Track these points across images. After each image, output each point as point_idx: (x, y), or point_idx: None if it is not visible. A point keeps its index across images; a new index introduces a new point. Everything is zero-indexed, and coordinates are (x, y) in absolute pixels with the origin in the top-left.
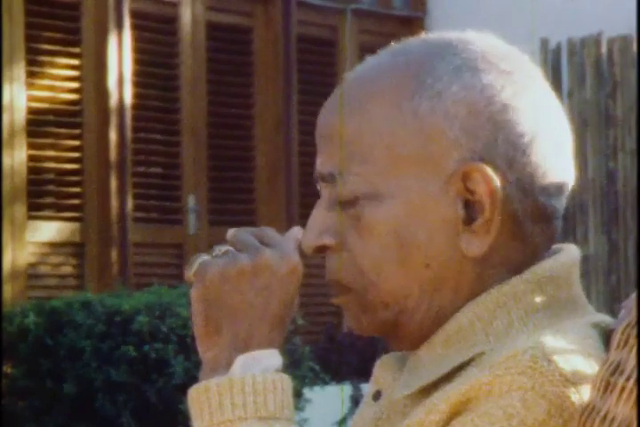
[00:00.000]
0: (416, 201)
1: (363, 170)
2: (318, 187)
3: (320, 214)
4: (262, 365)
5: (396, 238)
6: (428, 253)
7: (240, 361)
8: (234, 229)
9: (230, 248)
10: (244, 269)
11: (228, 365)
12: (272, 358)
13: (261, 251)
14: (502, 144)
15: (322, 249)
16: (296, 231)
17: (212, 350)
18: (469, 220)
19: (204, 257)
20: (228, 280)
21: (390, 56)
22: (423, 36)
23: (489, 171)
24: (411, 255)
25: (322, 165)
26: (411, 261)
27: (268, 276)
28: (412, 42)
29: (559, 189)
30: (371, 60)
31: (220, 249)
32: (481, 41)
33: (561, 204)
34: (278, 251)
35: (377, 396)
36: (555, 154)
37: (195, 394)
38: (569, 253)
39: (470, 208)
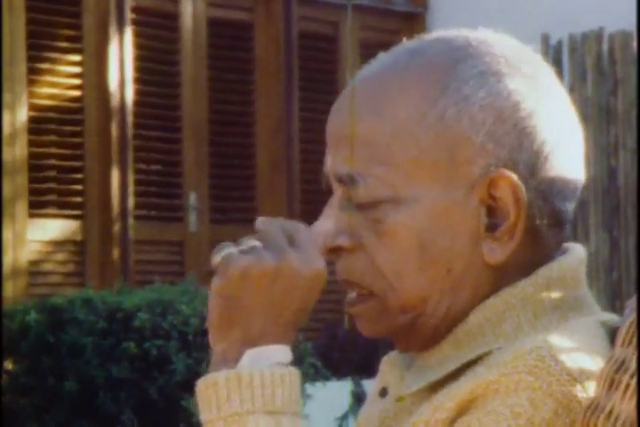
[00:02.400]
0: (439, 206)
1: (384, 173)
2: (324, 185)
3: (334, 215)
4: (271, 359)
5: (417, 243)
6: (450, 259)
7: (249, 355)
8: (264, 220)
9: (257, 244)
10: (267, 271)
11: (237, 359)
12: (281, 353)
13: (287, 254)
14: (526, 151)
15: (336, 250)
16: (319, 227)
17: (223, 343)
18: (492, 226)
19: (231, 249)
20: (249, 280)
21: (408, 56)
22: (436, 34)
23: (516, 178)
24: (432, 260)
25: (337, 165)
26: (432, 266)
27: (289, 281)
28: (427, 41)
29: (574, 192)
30: (385, 59)
31: (247, 243)
32: (499, 42)
33: (572, 206)
34: (303, 255)
35: (383, 393)
36: (572, 159)
37: (203, 386)
38: (575, 254)
39: (493, 215)
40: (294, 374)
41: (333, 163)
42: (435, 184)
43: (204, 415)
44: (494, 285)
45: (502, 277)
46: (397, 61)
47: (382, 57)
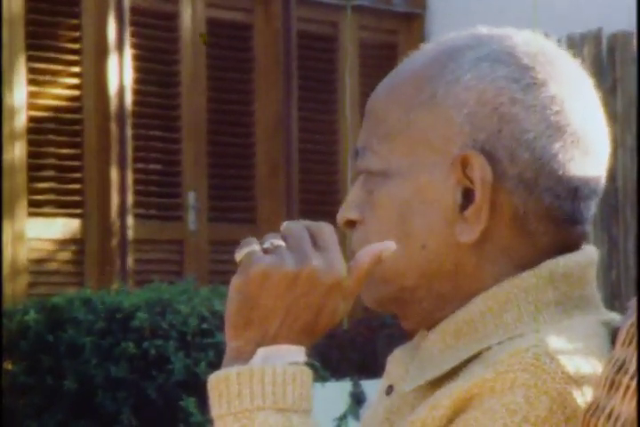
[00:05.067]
0: (421, 183)
1: (381, 147)
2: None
3: (354, 189)
4: (284, 358)
5: (398, 216)
6: (425, 235)
7: (262, 353)
8: (290, 223)
9: (281, 244)
10: (287, 275)
11: (251, 357)
12: (295, 353)
13: (309, 259)
14: (506, 136)
15: (350, 224)
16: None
17: (238, 340)
18: (465, 207)
19: (255, 246)
20: (269, 282)
21: (436, 44)
22: (478, 27)
23: (482, 159)
24: (409, 235)
25: (358, 140)
26: (408, 241)
27: (308, 286)
28: (462, 32)
29: (570, 191)
30: (422, 47)
31: (271, 242)
32: (521, 36)
33: (577, 209)
34: (326, 260)
35: (389, 390)
36: (568, 155)
37: (214, 382)
38: (585, 253)
39: (468, 196)
40: (306, 372)
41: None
42: (420, 160)
43: (215, 410)
44: (478, 269)
45: (485, 261)
46: (426, 46)
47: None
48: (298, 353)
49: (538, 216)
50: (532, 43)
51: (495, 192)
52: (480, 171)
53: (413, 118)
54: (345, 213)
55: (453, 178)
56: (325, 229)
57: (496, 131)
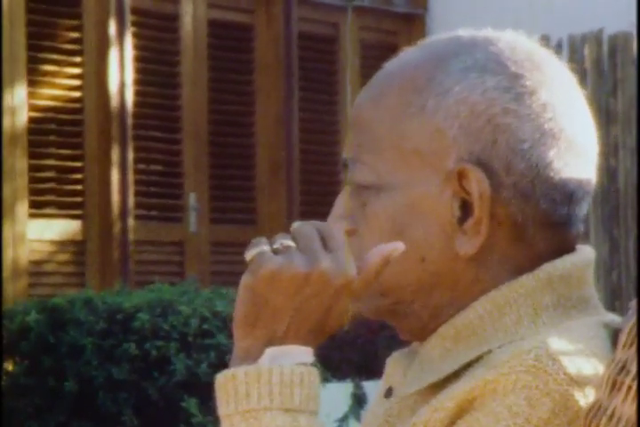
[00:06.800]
0: (416, 196)
1: (371, 159)
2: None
3: (342, 199)
4: (292, 359)
5: (393, 230)
6: (423, 248)
7: (270, 353)
8: (300, 223)
9: (291, 245)
10: (298, 275)
11: (259, 357)
12: (303, 354)
13: (320, 260)
14: (501, 147)
15: None
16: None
17: (247, 339)
18: (464, 220)
19: (265, 247)
20: (279, 282)
21: (418, 50)
22: (457, 31)
23: (479, 172)
24: (407, 248)
25: (344, 150)
26: (407, 254)
27: (319, 287)
28: (442, 36)
29: (566, 196)
30: (403, 53)
31: (281, 242)
32: (505, 41)
33: (573, 212)
34: (336, 262)
35: (388, 393)
36: (563, 160)
37: (222, 381)
38: (582, 254)
39: (466, 208)
40: (313, 373)
41: (345, 147)
42: (413, 174)
43: (222, 409)
44: (476, 279)
45: (484, 271)
46: (407, 55)
47: (403, 51)
48: (306, 354)
49: (535, 223)
50: (516, 48)
51: (493, 204)
52: (478, 186)
53: (403, 131)
54: (334, 223)
55: (449, 190)
56: (334, 230)
57: (491, 142)
